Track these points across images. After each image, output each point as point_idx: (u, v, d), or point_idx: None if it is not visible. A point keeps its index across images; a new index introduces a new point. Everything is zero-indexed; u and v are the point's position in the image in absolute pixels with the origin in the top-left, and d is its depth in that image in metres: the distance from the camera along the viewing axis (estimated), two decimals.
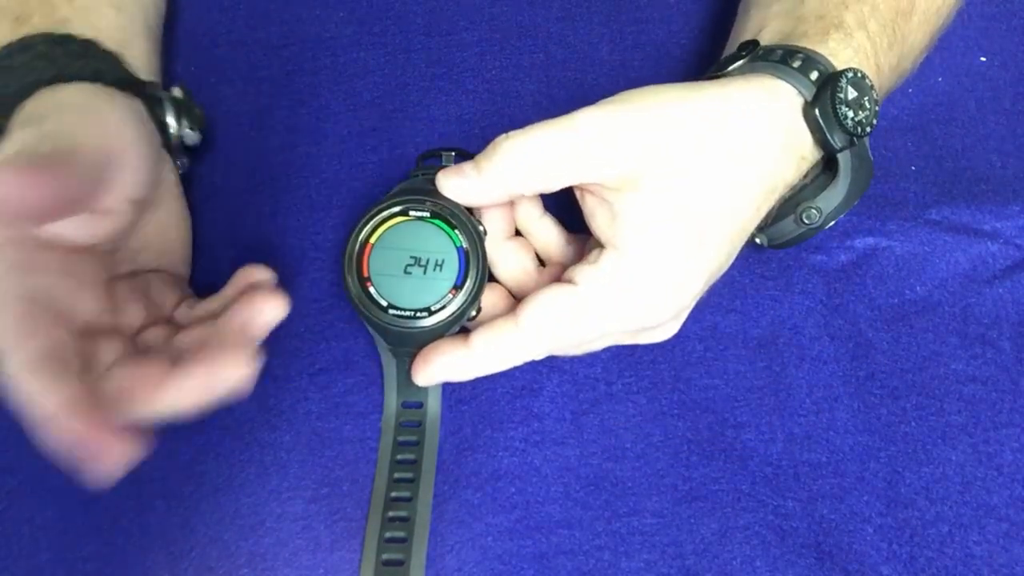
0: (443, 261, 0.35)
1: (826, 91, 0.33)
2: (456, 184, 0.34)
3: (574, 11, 0.49)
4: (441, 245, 0.35)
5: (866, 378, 0.40)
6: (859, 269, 0.42)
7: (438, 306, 0.35)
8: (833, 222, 0.37)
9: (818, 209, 0.37)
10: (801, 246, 0.43)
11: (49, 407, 0.27)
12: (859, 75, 0.34)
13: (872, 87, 0.34)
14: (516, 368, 0.39)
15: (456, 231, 0.35)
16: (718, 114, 0.33)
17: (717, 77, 0.36)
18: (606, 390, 0.39)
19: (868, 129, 0.34)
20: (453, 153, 0.41)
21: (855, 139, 0.34)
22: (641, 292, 0.32)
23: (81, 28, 0.36)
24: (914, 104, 0.47)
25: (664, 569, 0.36)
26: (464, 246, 0.35)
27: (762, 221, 0.36)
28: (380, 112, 0.45)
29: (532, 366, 0.40)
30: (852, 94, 0.33)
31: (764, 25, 0.39)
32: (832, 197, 0.36)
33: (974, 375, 0.40)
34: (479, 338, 0.33)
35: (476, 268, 0.35)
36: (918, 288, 0.42)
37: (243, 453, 0.37)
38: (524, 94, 0.46)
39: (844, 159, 0.36)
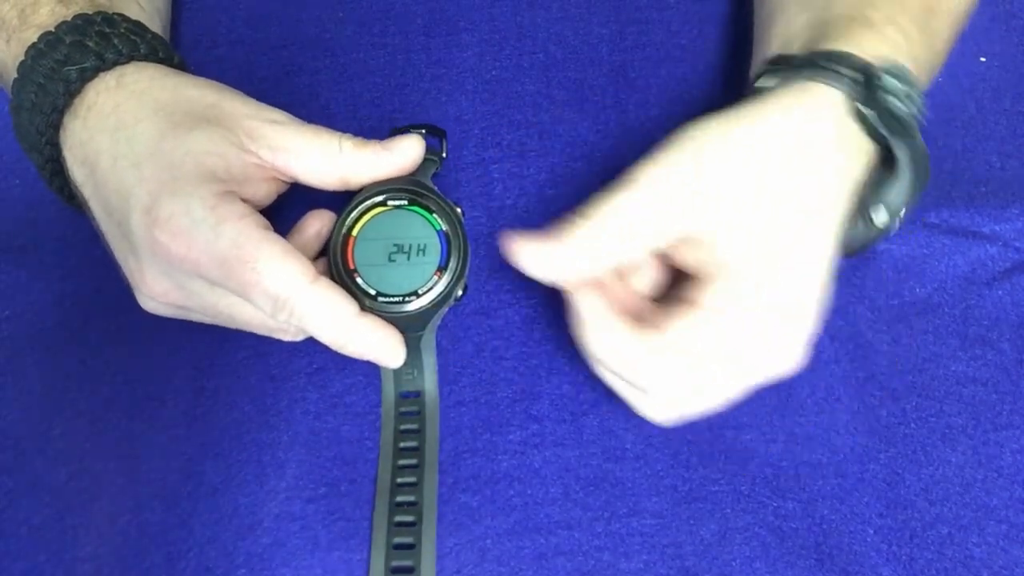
0: (425, 246, 0.36)
1: (870, 86, 0.34)
2: (540, 264, 0.34)
3: (574, 11, 0.49)
4: (422, 230, 0.36)
5: (866, 379, 0.40)
6: (859, 271, 0.42)
7: (425, 289, 0.35)
8: (899, 221, 0.36)
9: (886, 205, 0.36)
10: None
11: (390, 339, 0.34)
12: (898, 67, 0.34)
13: (913, 77, 0.35)
14: (515, 371, 0.39)
15: (435, 215, 0.36)
16: (768, 136, 0.33)
17: (755, 94, 0.36)
18: (606, 391, 0.39)
19: (920, 118, 0.34)
20: (423, 131, 0.42)
21: (908, 129, 0.34)
22: (761, 313, 0.33)
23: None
24: None
25: (663, 570, 0.36)
26: (444, 229, 0.36)
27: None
28: (380, 112, 0.45)
29: (531, 369, 0.40)
30: (896, 85, 0.34)
31: (791, 33, 0.39)
32: (898, 191, 0.36)
33: (974, 377, 0.40)
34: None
35: (458, 249, 0.36)
36: (918, 290, 0.42)
37: (241, 453, 0.37)
38: (524, 94, 0.46)
39: (902, 151, 0.35)
